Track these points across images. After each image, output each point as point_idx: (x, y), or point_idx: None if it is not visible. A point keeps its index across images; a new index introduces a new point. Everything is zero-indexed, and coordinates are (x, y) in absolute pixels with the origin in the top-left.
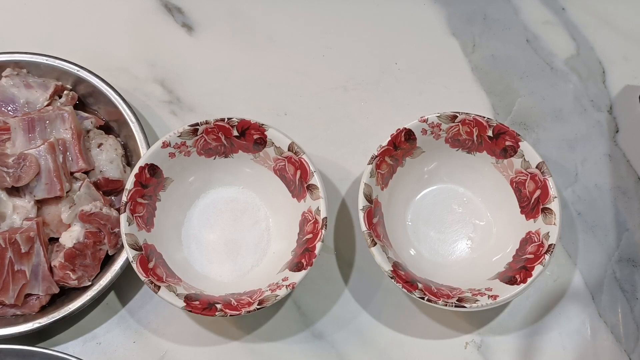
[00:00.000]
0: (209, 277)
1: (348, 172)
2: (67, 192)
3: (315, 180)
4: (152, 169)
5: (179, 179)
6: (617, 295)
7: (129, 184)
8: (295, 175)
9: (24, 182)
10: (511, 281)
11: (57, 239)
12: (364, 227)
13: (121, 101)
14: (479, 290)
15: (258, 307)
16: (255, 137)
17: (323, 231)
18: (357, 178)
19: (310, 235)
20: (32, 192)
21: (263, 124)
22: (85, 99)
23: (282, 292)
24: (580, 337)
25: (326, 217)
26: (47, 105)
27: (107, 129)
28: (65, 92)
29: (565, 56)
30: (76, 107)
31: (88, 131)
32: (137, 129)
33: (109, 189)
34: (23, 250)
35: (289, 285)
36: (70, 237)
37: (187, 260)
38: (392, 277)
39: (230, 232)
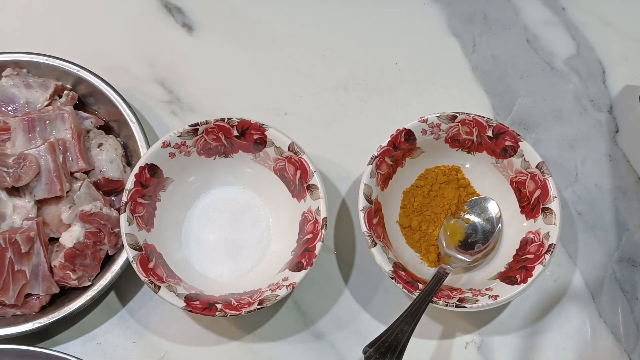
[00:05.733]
0: (209, 277)
1: (348, 172)
2: (67, 192)
3: (315, 180)
4: (152, 169)
5: (179, 179)
6: (617, 295)
7: (129, 184)
8: (295, 175)
9: (24, 182)
10: (511, 281)
11: (57, 239)
12: (364, 228)
13: (121, 101)
14: (479, 290)
15: (258, 307)
16: (255, 137)
17: (323, 231)
18: (357, 178)
19: (310, 235)
20: (32, 192)
21: (263, 124)
22: (85, 98)
23: (282, 292)
24: (581, 337)
25: (326, 217)
26: (47, 105)
27: (107, 129)
28: (65, 92)
29: (565, 56)
30: (76, 107)
31: (88, 131)
32: (137, 129)
33: (109, 189)
34: (23, 250)
35: (289, 285)
36: (71, 237)
37: (187, 260)
38: (392, 278)
39: (230, 232)
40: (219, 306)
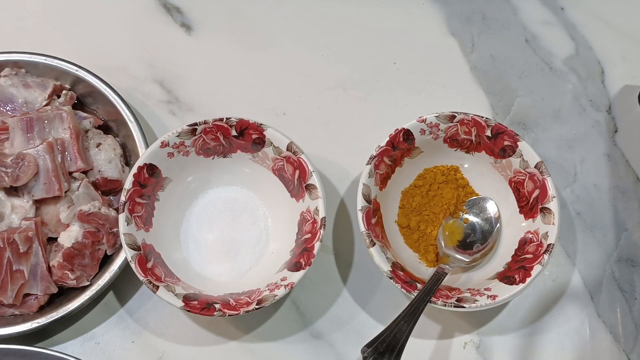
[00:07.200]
0: (207, 277)
1: (347, 172)
2: (65, 192)
3: (313, 180)
4: (151, 169)
5: (177, 179)
6: (615, 295)
7: (128, 183)
8: (294, 175)
9: (23, 182)
10: (510, 281)
11: (55, 239)
12: (362, 228)
13: (120, 101)
14: (478, 290)
15: (257, 307)
16: (253, 136)
17: (322, 231)
18: (356, 178)
19: (308, 235)
20: (31, 192)
21: (262, 124)
22: (83, 98)
23: (280, 292)
24: (579, 337)
25: (325, 217)
26: (46, 105)
27: (105, 128)
28: (64, 91)
29: (564, 56)
30: (75, 106)
31: (87, 131)
32: (136, 128)
33: (108, 188)
34: (21, 250)
35: (287, 285)
36: (69, 236)
37: (186, 260)
38: (391, 278)
39: (228, 232)
40: (217, 306)
